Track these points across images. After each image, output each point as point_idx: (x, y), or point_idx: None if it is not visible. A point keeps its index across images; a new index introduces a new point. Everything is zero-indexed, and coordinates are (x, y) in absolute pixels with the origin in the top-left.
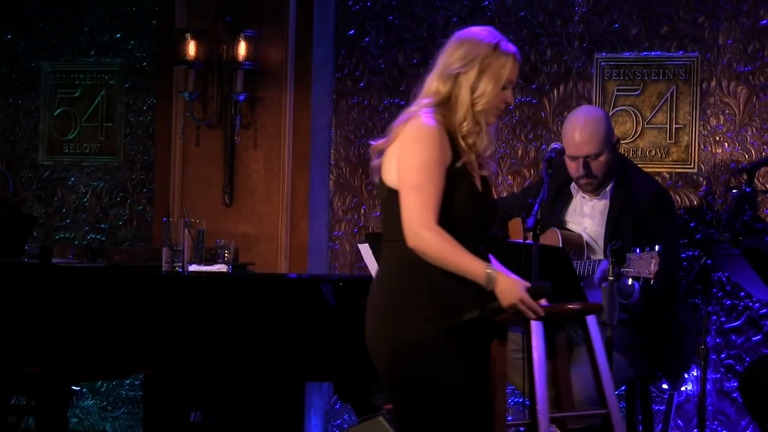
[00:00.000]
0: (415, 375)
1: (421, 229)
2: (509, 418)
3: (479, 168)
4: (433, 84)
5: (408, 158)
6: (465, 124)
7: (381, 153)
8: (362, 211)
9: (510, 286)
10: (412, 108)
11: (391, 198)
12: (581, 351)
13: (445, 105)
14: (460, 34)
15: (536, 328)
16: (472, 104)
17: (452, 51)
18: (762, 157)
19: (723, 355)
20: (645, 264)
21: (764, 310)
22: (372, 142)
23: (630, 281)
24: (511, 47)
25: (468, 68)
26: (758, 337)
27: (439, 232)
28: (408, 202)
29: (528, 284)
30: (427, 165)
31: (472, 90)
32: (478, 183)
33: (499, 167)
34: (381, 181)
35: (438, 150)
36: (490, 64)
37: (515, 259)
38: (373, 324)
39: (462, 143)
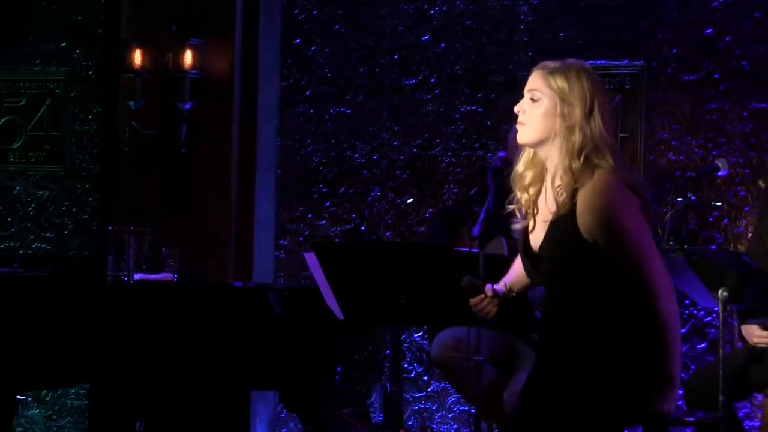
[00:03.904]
0: None
1: None
2: (454, 427)
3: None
4: None
5: None
6: None
7: None
8: (308, 219)
9: None
10: None
11: None
12: (527, 360)
13: None
14: None
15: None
16: None
17: None
18: (707, 165)
19: None
20: None
21: (709, 318)
22: None
23: None
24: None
25: None
26: (703, 345)
27: None
28: None
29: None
30: None
31: None
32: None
33: (445, 176)
34: None
35: None
36: None
37: (461, 268)
38: None
39: None
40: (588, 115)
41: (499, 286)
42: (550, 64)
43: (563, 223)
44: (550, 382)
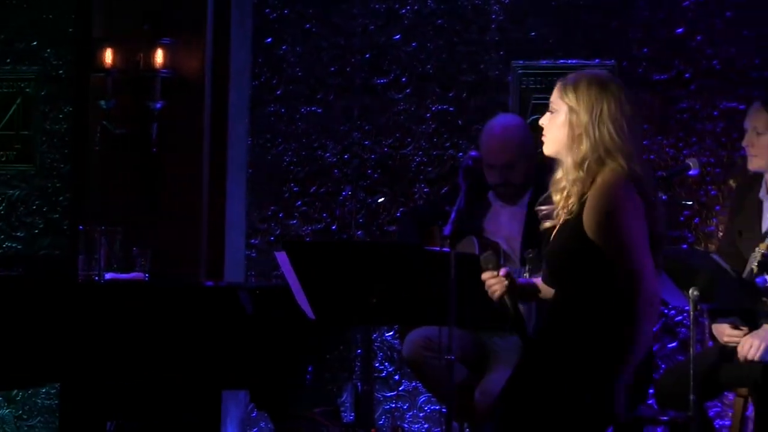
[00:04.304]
0: None
1: None
2: (425, 426)
3: None
4: None
5: None
6: None
7: None
8: (279, 219)
9: None
10: None
11: None
12: (498, 359)
13: None
14: None
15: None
16: None
17: None
18: (678, 164)
19: None
20: None
21: (680, 317)
22: None
23: None
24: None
25: None
26: (674, 344)
27: None
28: None
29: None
30: None
31: None
32: None
33: (416, 175)
34: None
35: None
36: None
37: (432, 267)
38: None
39: None
40: (595, 122)
41: (523, 278)
42: (569, 77)
43: (571, 224)
44: (543, 380)
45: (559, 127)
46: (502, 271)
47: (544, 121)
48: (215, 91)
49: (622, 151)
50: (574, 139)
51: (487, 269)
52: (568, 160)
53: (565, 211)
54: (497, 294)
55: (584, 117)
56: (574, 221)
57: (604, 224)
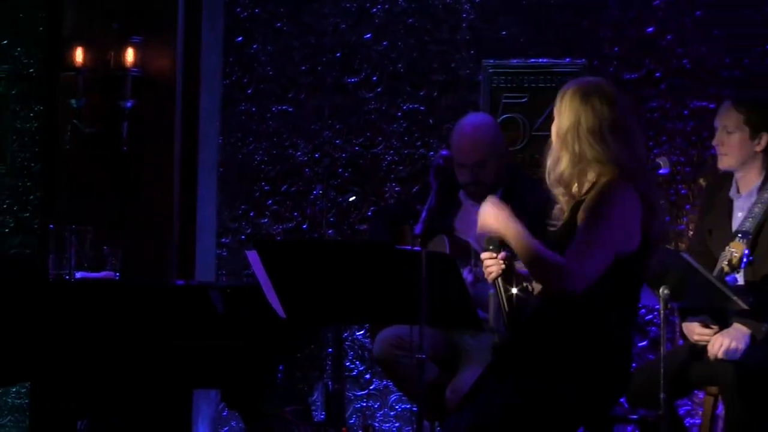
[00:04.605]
0: None
1: None
2: (396, 425)
3: None
4: None
5: None
6: None
7: None
8: (250, 218)
9: None
10: None
11: None
12: (469, 358)
13: None
14: None
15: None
16: None
17: None
18: (649, 163)
19: None
20: None
21: (650, 316)
22: None
23: None
24: None
25: None
26: (644, 343)
27: None
28: None
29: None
30: None
31: None
32: None
33: (387, 174)
34: None
35: None
36: None
37: (403, 266)
38: None
39: None
40: (575, 133)
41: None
42: (565, 84)
43: (564, 225)
44: (519, 374)
45: (556, 134)
46: (501, 255)
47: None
48: (186, 90)
49: (608, 159)
50: (559, 145)
51: (487, 250)
52: (564, 161)
53: (566, 199)
54: (492, 276)
55: (565, 125)
56: (565, 224)
57: (588, 210)
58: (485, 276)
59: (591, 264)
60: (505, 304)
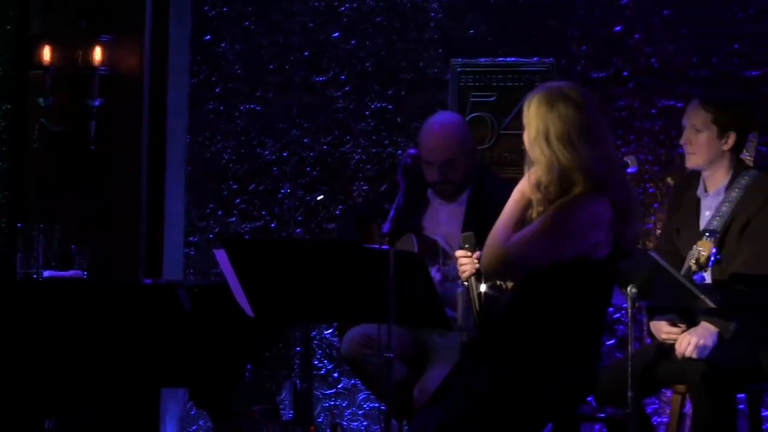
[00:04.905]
0: None
1: None
2: (364, 424)
3: None
4: None
5: None
6: None
7: None
8: (218, 216)
9: None
10: None
11: None
12: (437, 357)
13: None
14: None
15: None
16: None
17: None
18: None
19: None
20: None
21: (618, 315)
22: None
23: None
24: None
25: None
26: (612, 342)
27: None
28: None
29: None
30: None
31: None
32: None
33: (355, 173)
34: None
35: None
36: None
37: (371, 265)
38: None
39: None
40: (544, 142)
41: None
42: (531, 92)
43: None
44: (488, 372)
45: (528, 140)
46: (476, 254)
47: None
48: (154, 88)
49: (578, 165)
50: (537, 153)
51: (463, 248)
52: (539, 169)
53: (542, 210)
54: (465, 275)
55: (534, 136)
56: None
57: (552, 212)
58: (459, 274)
59: (530, 254)
60: (476, 301)
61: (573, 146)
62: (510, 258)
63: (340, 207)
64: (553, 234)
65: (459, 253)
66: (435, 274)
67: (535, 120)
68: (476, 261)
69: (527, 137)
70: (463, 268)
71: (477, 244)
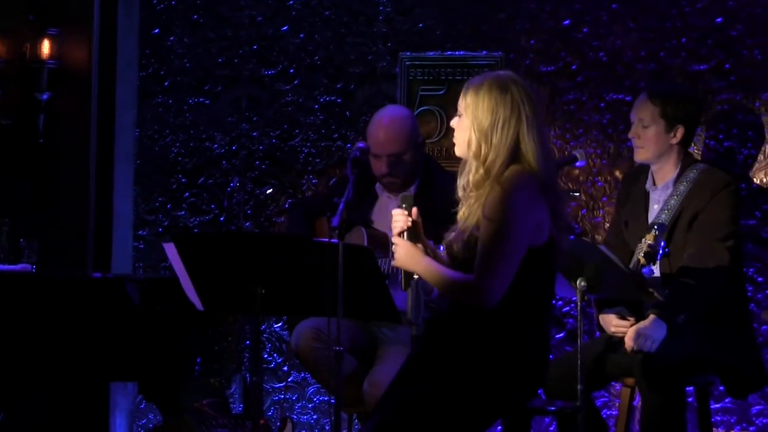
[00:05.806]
0: None
1: None
2: (314, 417)
3: None
4: None
5: None
6: None
7: None
8: (167, 210)
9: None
10: None
11: None
12: (387, 350)
13: None
14: None
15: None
16: None
17: None
18: (565, 156)
19: None
20: None
21: (567, 308)
22: None
23: None
24: None
25: None
26: (561, 335)
27: None
28: None
29: None
30: None
31: None
32: None
33: (305, 167)
34: None
35: None
36: None
37: (320, 258)
38: None
39: None
40: (496, 127)
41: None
42: (472, 80)
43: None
44: (438, 366)
45: (465, 130)
46: (414, 214)
47: (453, 124)
48: (102, 82)
49: (527, 153)
50: (476, 142)
51: (400, 207)
52: (474, 163)
53: (474, 210)
54: (396, 230)
55: (485, 122)
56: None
57: (489, 211)
58: (391, 229)
59: (500, 276)
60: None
61: (524, 132)
62: (490, 287)
63: (289, 200)
64: (509, 228)
65: (396, 211)
66: (385, 267)
67: (488, 105)
68: (409, 219)
69: (477, 126)
70: (396, 224)
71: (389, 250)
